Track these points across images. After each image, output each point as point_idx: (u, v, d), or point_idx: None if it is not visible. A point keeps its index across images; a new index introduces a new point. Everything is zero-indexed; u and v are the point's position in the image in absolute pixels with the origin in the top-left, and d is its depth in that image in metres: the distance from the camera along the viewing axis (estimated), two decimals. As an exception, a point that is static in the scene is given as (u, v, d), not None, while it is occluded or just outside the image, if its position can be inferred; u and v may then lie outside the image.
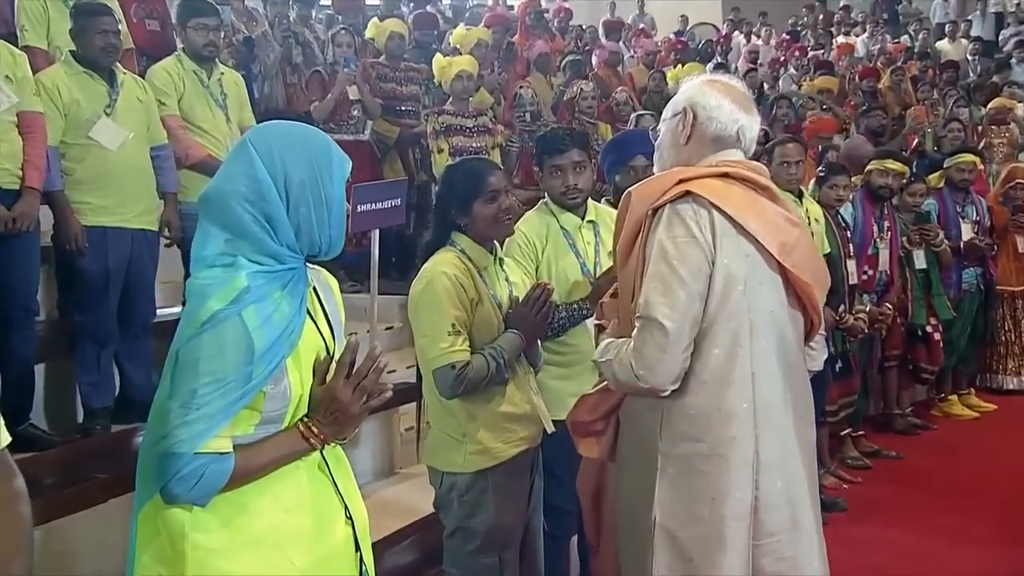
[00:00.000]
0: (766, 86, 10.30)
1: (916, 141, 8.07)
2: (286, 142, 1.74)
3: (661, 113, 2.38)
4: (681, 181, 2.10)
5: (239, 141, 1.76)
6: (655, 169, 2.30)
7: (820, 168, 5.05)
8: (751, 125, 2.19)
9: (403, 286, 5.86)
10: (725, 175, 2.12)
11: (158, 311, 4.22)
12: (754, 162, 2.22)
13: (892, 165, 5.24)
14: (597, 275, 3.11)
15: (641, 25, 12.95)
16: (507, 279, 2.81)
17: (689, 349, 2.03)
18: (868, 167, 5.25)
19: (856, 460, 5.15)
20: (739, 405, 2.05)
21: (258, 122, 4.81)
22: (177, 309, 4.54)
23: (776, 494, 2.07)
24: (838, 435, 5.13)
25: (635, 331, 2.05)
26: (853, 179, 5.07)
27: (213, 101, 4.48)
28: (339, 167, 1.78)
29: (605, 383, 2.24)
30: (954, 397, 6.27)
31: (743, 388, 2.05)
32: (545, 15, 10.07)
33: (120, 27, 4.07)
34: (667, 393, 2.05)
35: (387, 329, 5.19)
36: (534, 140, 6.36)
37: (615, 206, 3.10)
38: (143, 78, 4.26)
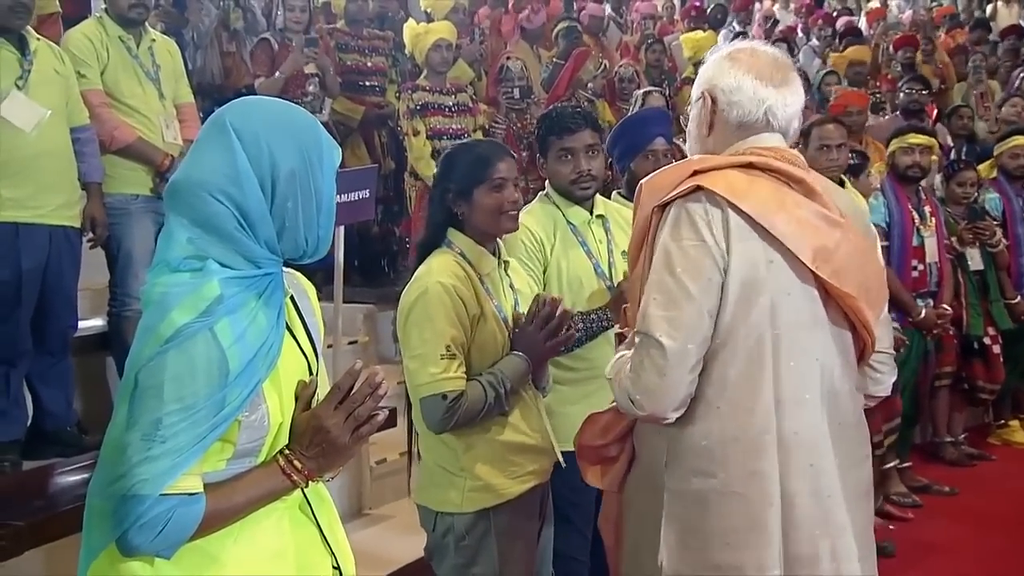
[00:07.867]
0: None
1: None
2: (272, 123, 1.73)
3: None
4: (696, 173, 2.07)
5: (214, 120, 1.74)
6: None
7: (850, 155, 5.07)
8: (783, 101, 2.13)
9: (368, 293, 5.92)
10: (750, 165, 2.09)
11: (79, 324, 4.17)
12: (790, 150, 2.18)
13: (915, 139, 5.20)
14: (614, 278, 3.13)
15: None
16: (511, 286, 2.81)
17: (696, 371, 2.02)
18: (890, 148, 5.27)
19: (904, 497, 5.17)
20: (761, 436, 2.03)
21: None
22: (101, 322, 4.50)
23: (809, 544, 2.03)
24: (882, 468, 5.13)
25: (633, 349, 2.05)
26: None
27: (143, 73, 4.41)
28: (329, 154, 1.78)
29: None
30: (1015, 422, 6.30)
31: (766, 418, 2.03)
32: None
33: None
34: (670, 421, 2.05)
35: (351, 344, 5.22)
36: (523, 120, 6.42)
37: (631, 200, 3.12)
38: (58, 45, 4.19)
